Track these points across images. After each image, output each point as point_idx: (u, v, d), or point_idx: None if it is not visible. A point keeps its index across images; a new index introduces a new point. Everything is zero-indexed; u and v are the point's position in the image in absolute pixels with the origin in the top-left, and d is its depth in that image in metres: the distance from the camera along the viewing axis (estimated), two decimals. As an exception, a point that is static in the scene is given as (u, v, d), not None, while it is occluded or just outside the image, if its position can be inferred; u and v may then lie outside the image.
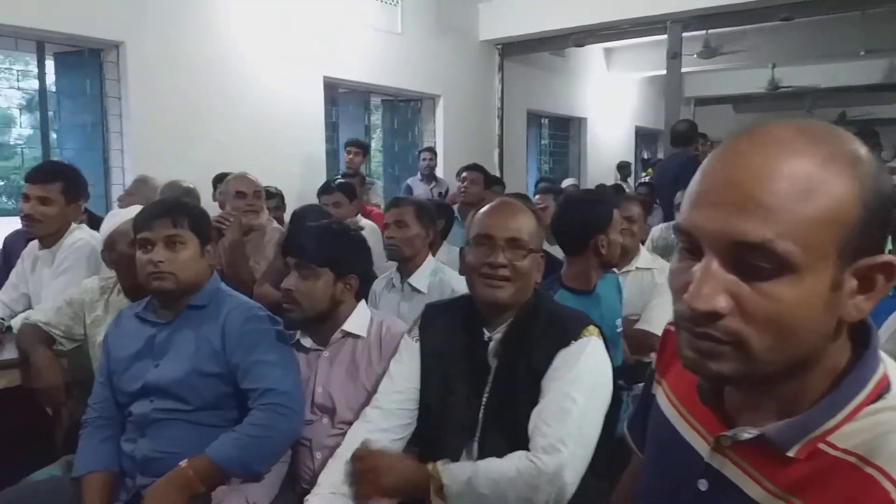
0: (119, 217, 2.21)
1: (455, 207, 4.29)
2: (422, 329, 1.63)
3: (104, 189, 5.09)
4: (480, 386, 1.50)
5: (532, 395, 1.43)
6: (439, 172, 6.77)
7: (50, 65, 5.11)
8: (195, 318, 1.79)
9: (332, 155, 6.58)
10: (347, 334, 1.81)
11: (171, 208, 1.81)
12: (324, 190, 3.84)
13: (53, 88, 5.22)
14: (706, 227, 0.65)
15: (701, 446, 0.79)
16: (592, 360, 1.45)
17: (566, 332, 1.47)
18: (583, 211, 2.18)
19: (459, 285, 2.49)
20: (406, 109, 7.77)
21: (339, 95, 6.95)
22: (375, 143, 7.86)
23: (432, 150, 6.61)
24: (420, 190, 6.25)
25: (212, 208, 3.97)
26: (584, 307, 1.80)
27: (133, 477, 1.77)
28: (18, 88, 5.32)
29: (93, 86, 5.10)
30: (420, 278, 2.56)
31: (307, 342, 1.84)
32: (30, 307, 2.63)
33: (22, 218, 2.57)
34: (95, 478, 1.75)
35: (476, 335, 1.54)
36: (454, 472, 1.36)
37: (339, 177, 5.65)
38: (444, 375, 1.55)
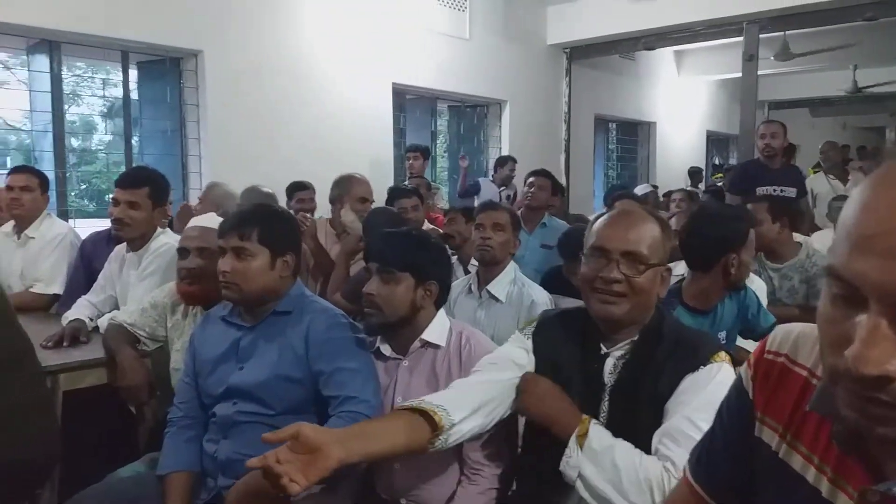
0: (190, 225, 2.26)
1: (519, 213, 4.24)
2: (535, 335, 1.56)
3: (182, 193, 5.25)
4: (595, 402, 1.44)
5: (654, 419, 1.36)
6: (504, 176, 6.74)
7: (132, 74, 5.31)
8: (279, 324, 1.81)
9: (399, 160, 6.63)
10: (427, 343, 1.79)
11: (242, 220, 1.82)
12: (402, 192, 3.86)
13: (135, 96, 5.42)
14: (877, 280, 0.56)
15: (842, 501, 0.71)
16: (723, 388, 1.36)
17: (695, 355, 1.38)
18: (718, 226, 2.07)
19: (540, 297, 2.46)
20: (472, 115, 7.77)
21: (407, 101, 7.01)
22: (441, 149, 7.88)
23: (513, 160, 6.56)
24: (489, 191, 6.22)
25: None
26: (699, 329, 1.72)
27: (214, 477, 1.80)
28: (102, 97, 5.55)
29: (172, 93, 5.28)
30: (499, 286, 2.53)
31: (386, 350, 1.83)
32: (116, 308, 2.71)
33: (112, 221, 2.66)
34: (178, 477, 1.79)
35: (592, 350, 1.47)
36: (601, 432, 1.36)
37: (405, 182, 5.70)
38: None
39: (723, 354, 1.40)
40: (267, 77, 5.39)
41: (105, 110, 13.44)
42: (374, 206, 3.46)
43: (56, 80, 4.80)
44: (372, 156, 6.18)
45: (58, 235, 3.23)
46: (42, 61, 4.81)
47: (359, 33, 6.03)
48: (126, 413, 2.36)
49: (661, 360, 1.39)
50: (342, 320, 1.81)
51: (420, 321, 1.79)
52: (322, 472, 1.09)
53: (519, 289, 2.52)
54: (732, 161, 10.50)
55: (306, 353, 1.75)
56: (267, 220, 1.85)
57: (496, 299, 2.51)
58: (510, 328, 2.28)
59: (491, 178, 6.60)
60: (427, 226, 3.88)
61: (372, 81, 6.16)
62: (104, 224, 3.14)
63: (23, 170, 3.31)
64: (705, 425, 1.31)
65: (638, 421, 1.37)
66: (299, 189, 4.48)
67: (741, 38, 6.78)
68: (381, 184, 6.00)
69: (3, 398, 1.95)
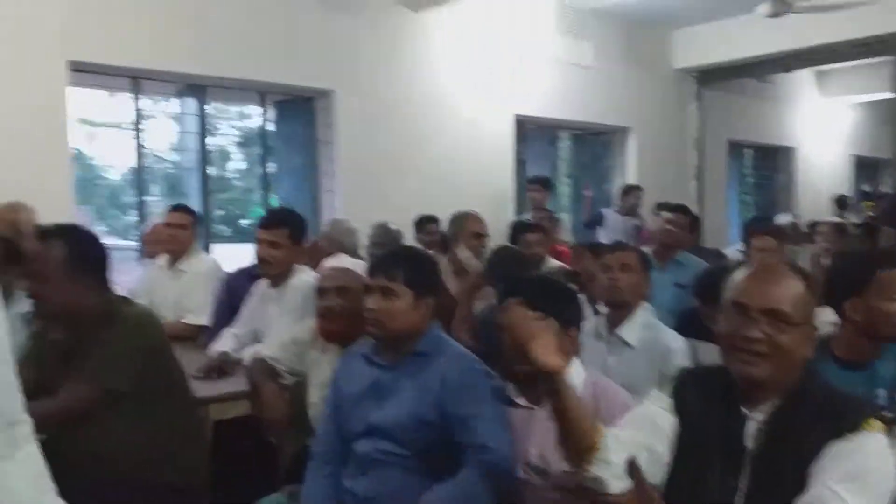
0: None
1: (650, 250, 4.07)
2: (676, 395, 1.49)
3: (314, 228, 5.49)
4: (735, 468, 1.36)
5: (797, 489, 1.27)
6: (630, 205, 6.56)
7: (268, 111, 5.65)
8: (417, 365, 1.85)
9: (520, 191, 6.63)
10: None
11: (390, 261, 1.90)
12: (525, 227, 3.85)
13: (271, 132, 5.76)
14: None
15: None
16: (873, 461, 1.25)
17: (841, 421, 1.28)
18: (840, 266, 1.95)
19: (676, 344, 2.34)
20: (595, 143, 7.65)
21: (528, 131, 7.01)
22: (563, 178, 7.81)
23: (639, 188, 6.40)
24: (614, 221, 6.08)
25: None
26: (849, 386, 1.58)
27: (353, 512, 1.84)
28: (238, 129, 5.93)
29: (306, 131, 5.56)
30: (631, 330, 2.42)
31: (520, 399, 1.81)
32: (258, 341, 2.85)
33: (257, 260, 2.83)
34: (319, 512, 1.85)
35: (733, 412, 1.39)
36: None
37: (527, 214, 5.67)
38: (697, 447, 1.41)
39: (876, 422, 1.28)
40: (395, 113, 5.57)
41: (240, 140, 14.37)
42: (495, 241, 3.47)
43: (202, 120, 5.21)
44: (493, 188, 6.21)
45: (207, 270, 3.49)
46: (190, 103, 5.24)
47: (482, 67, 6.12)
48: (267, 444, 2.48)
49: (805, 425, 1.30)
50: (477, 366, 1.82)
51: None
52: None
53: (652, 334, 2.40)
54: (884, 189, 9.68)
55: (441, 397, 1.77)
56: (413, 263, 1.92)
57: (627, 345, 2.41)
58: (643, 377, 2.20)
59: (615, 207, 6.45)
60: (552, 261, 3.83)
61: (494, 113, 6.22)
62: (239, 249, 3.36)
63: (180, 208, 3.60)
64: (850, 498, 1.18)
65: (780, 490, 1.29)
66: (427, 223, 4.58)
67: (891, 58, 6.29)
68: (502, 216, 6.05)
69: (158, 426, 2.11)
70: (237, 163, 14.45)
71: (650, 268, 2.64)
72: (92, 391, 1.97)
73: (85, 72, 4.33)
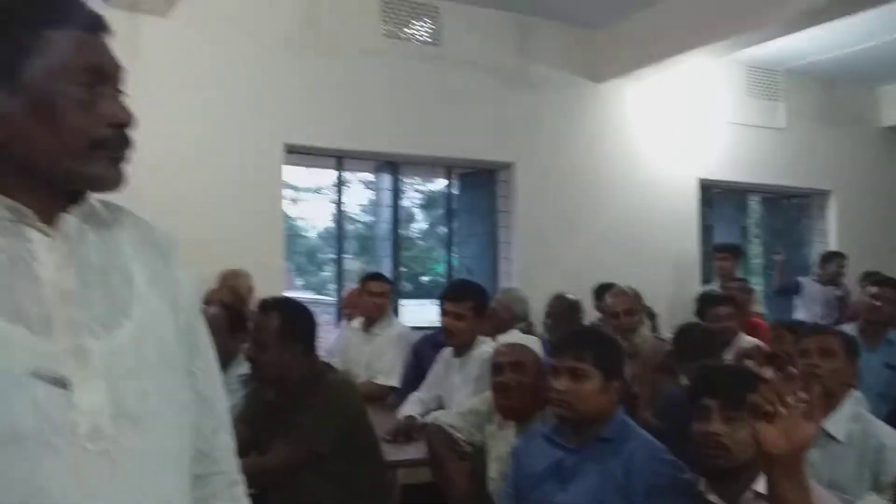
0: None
1: (855, 326, 3.69)
2: None
3: (491, 293, 5.63)
4: None
5: None
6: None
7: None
8: (602, 450, 1.84)
9: (705, 257, 6.34)
10: (760, 496, 1.62)
11: (578, 341, 1.91)
12: (714, 300, 3.67)
13: (455, 202, 6.05)
14: None
15: None
16: None
17: None
18: None
19: (892, 440, 2.12)
20: (788, 207, 7.17)
21: (714, 195, 6.73)
22: (753, 245, 7.36)
23: (842, 256, 5.90)
24: (814, 292, 5.60)
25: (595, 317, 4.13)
26: None
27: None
28: (420, 192, 6.22)
29: (487, 200, 5.78)
30: (837, 423, 2.18)
31: (713, 496, 1.70)
32: (441, 407, 2.98)
33: (442, 331, 2.98)
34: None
35: None
36: None
37: (714, 284, 5.40)
38: None
39: None
40: (573, 182, 5.64)
41: (423, 202, 15.12)
42: (679, 313, 3.35)
43: (395, 193, 5.62)
44: (676, 255, 6.01)
45: (399, 333, 3.75)
46: (385, 177, 5.68)
47: (665, 132, 6.04)
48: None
49: None
50: (666, 457, 1.77)
51: (757, 466, 1.62)
52: None
53: (862, 427, 2.17)
54: None
55: (627, 486, 1.74)
56: (602, 344, 1.93)
57: (833, 438, 2.20)
58: (851, 476, 2.03)
59: (814, 275, 5.95)
60: (745, 338, 3.60)
61: (677, 177, 6.07)
62: (422, 304, 3.55)
63: (379, 277, 3.91)
64: None
65: None
66: (608, 290, 4.52)
67: None
68: (687, 284, 5.83)
69: (352, 486, 2.26)
70: (420, 223, 15.27)
71: (857, 353, 2.41)
72: (298, 452, 2.17)
73: (297, 153, 4.88)
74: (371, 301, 3.76)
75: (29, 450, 0.78)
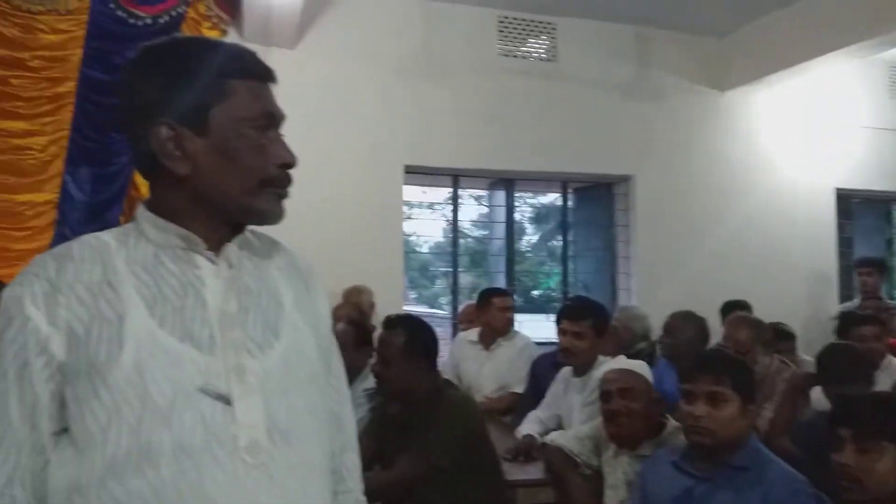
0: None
1: None
2: None
3: (611, 309, 5.52)
4: None
5: None
6: None
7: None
8: (736, 479, 1.76)
9: (844, 272, 5.91)
10: None
11: (716, 363, 1.84)
12: (859, 319, 3.40)
13: (570, 216, 5.99)
14: None
15: None
16: None
17: None
18: None
19: None
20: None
21: (853, 205, 6.27)
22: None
23: None
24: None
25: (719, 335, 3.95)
26: None
27: None
28: (531, 205, 6.20)
29: (604, 215, 5.68)
30: None
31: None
32: (560, 426, 2.94)
33: (561, 350, 2.95)
34: None
35: None
36: None
37: (855, 301, 5.02)
38: None
39: None
40: (694, 193, 5.44)
41: (534, 216, 15.09)
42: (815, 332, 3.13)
43: (510, 211, 5.64)
44: (811, 270, 5.64)
45: (525, 344, 3.78)
46: (499, 194, 5.71)
47: (795, 139, 5.71)
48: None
49: None
50: (806, 489, 1.68)
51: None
52: None
53: None
54: None
55: (765, 519, 1.66)
56: (740, 366, 1.87)
57: None
58: None
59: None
60: (894, 360, 3.32)
61: (810, 187, 5.71)
62: (534, 318, 3.55)
63: (505, 292, 3.98)
64: None
65: None
66: (734, 309, 4.30)
67: None
68: (824, 302, 5.46)
69: (470, 502, 2.28)
70: (530, 236, 15.22)
71: None
72: (420, 467, 2.22)
73: (415, 173, 5.03)
74: (499, 316, 3.80)
75: (196, 460, 0.86)
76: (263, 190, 0.96)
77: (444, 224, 8.99)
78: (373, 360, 2.59)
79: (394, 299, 4.57)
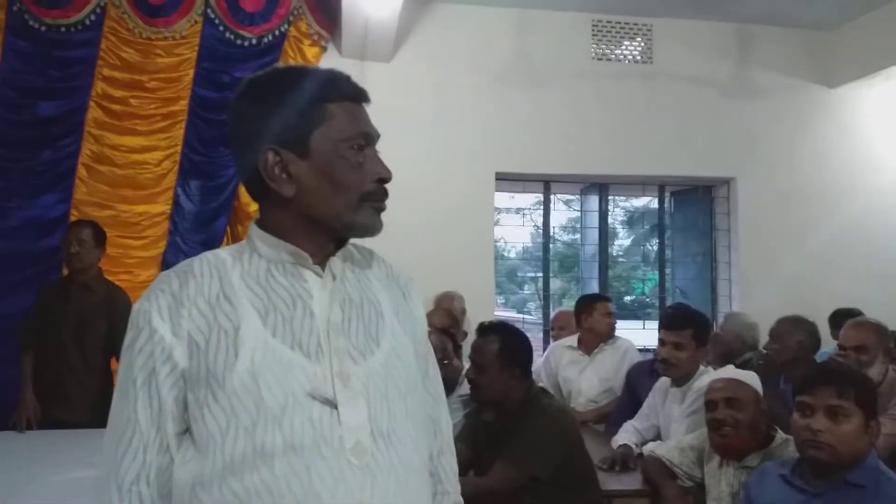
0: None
1: None
2: None
3: (711, 317, 5.32)
4: None
5: None
6: None
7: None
8: (851, 497, 1.69)
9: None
10: None
11: (839, 375, 1.77)
12: None
13: (667, 220, 5.84)
14: None
15: None
16: None
17: None
18: None
19: None
20: None
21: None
22: None
23: None
24: None
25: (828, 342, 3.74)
26: None
27: None
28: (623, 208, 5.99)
29: (703, 219, 5.50)
30: None
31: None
32: (658, 437, 2.89)
33: (660, 361, 2.88)
34: None
35: None
36: None
37: None
38: None
39: None
40: (801, 194, 5.17)
41: (625, 220, 14.73)
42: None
43: (603, 215, 5.55)
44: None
45: (627, 349, 3.74)
46: (592, 199, 5.64)
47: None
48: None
49: None
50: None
51: None
52: None
53: None
54: None
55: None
56: (863, 380, 1.80)
57: None
58: None
59: None
60: None
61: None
62: (627, 324, 3.50)
63: (607, 298, 3.93)
64: None
65: None
66: (849, 317, 4.06)
67: None
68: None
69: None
70: (622, 240, 14.85)
71: None
72: (518, 475, 2.22)
73: (506, 179, 5.04)
74: (603, 322, 3.77)
75: (306, 459, 0.92)
76: (363, 205, 1.01)
77: (531, 229, 8.94)
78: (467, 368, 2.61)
79: (484, 305, 4.59)
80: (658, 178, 5.41)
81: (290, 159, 1.00)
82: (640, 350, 3.94)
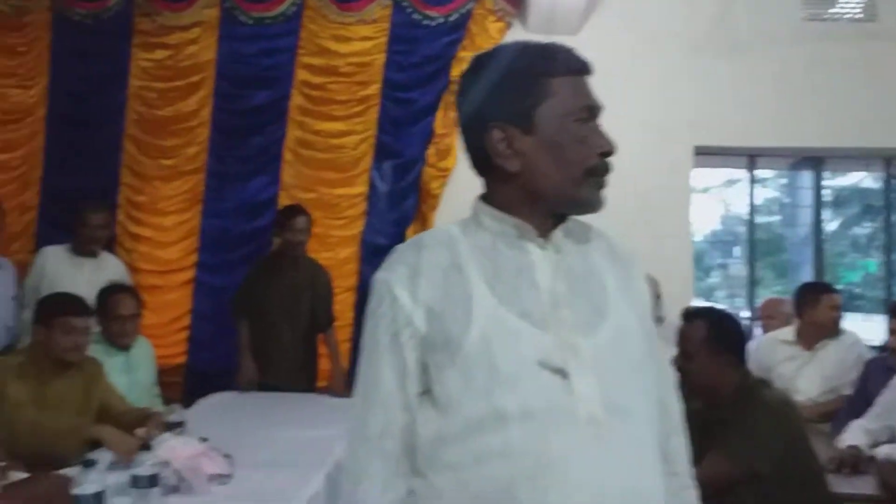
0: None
1: None
2: None
3: None
4: None
5: None
6: None
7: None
8: None
9: None
10: None
11: None
12: None
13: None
14: None
15: None
16: None
17: None
18: None
19: None
20: None
21: None
22: None
23: None
24: None
25: None
26: None
27: None
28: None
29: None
30: None
31: None
32: (892, 440, 2.55)
33: (889, 351, 2.55)
34: None
35: None
36: None
37: None
38: None
39: None
40: None
41: (832, 199, 13.27)
42: None
43: (817, 193, 5.01)
44: None
45: (853, 343, 3.36)
46: (805, 175, 5.10)
47: None
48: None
49: None
50: None
51: None
52: None
53: None
54: None
55: None
56: None
57: None
58: None
59: None
60: None
61: None
62: None
63: (834, 290, 3.50)
64: None
65: None
66: None
67: None
68: None
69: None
70: (828, 222, 13.36)
71: None
72: (734, 467, 2.04)
73: (706, 154, 4.71)
74: (830, 315, 3.36)
75: (542, 424, 0.92)
76: (587, 180, 1.01)
77: (721, 210, 8.26)
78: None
79: (683, 291, 4.31)
80: (884, 151, 4.78)
81: (515, 135, 1.01)
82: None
